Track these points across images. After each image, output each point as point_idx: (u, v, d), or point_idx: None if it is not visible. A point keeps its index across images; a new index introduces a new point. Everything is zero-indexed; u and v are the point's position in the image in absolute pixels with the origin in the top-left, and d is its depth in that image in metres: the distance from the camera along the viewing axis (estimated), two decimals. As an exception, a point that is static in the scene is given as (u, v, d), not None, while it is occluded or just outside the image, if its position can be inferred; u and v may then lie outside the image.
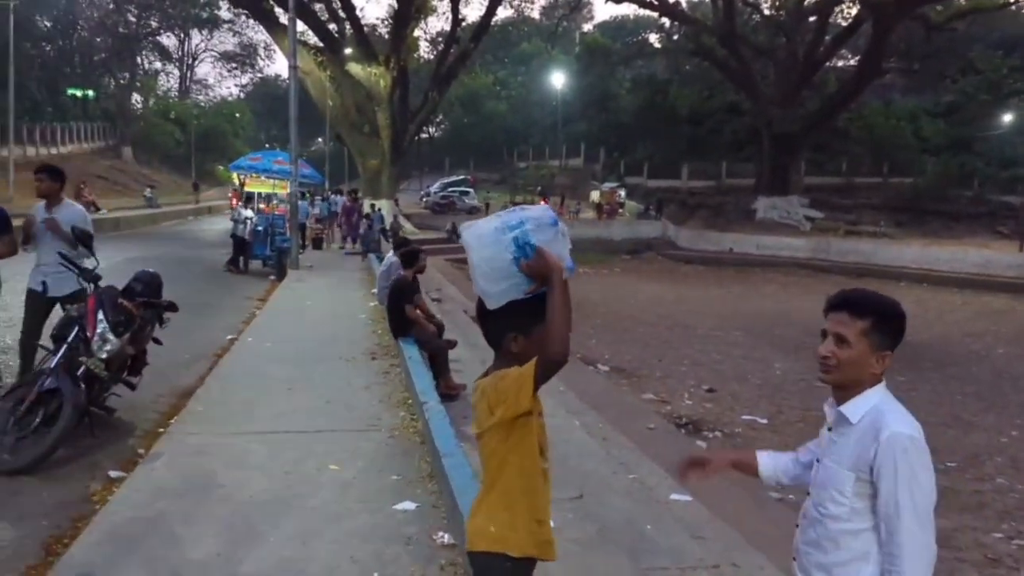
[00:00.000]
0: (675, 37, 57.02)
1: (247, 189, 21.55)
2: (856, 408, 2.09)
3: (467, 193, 48.22)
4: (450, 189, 49.34)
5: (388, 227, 24.62)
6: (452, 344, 8.36)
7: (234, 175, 23.82)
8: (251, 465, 5.28)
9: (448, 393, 7.35)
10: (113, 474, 5.27)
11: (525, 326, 2.28)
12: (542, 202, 45.64)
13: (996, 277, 29.09)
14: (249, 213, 18.35)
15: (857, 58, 46.48)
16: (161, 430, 6.11)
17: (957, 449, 9.86)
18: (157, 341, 6.78)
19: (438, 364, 7.75)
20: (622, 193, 45.97)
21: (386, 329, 9.31)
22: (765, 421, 10.55)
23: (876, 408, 2.08)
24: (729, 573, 4.23)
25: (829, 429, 2.17)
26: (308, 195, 25.42)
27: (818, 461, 2.19)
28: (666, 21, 56.44)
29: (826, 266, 32.33)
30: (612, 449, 6.78)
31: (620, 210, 44.69)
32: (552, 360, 2.16)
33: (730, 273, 32.76)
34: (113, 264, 8.05)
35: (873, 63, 38.65)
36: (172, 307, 6.56)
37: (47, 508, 4.74)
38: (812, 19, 44.92)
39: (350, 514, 4.55)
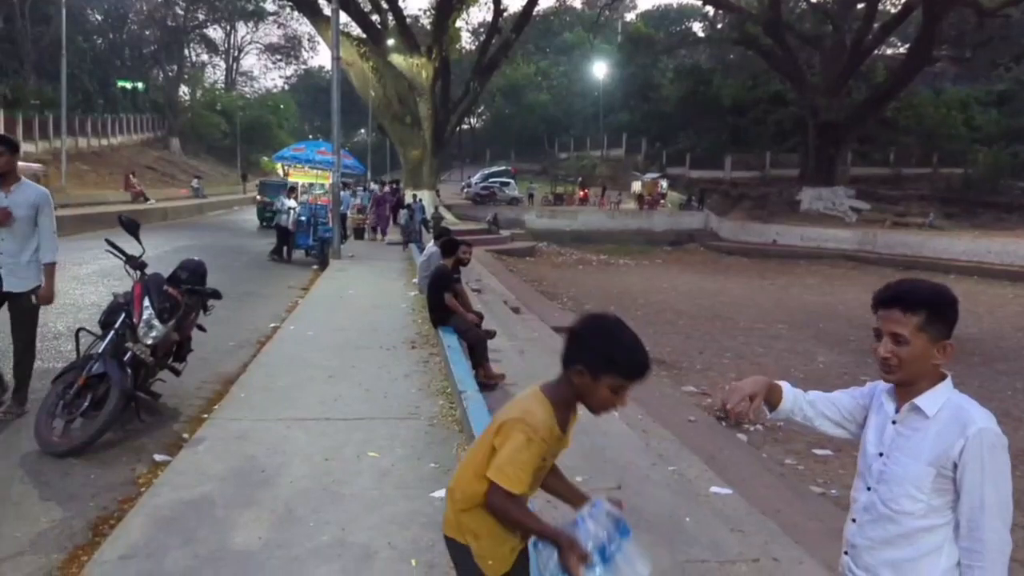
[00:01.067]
0: (719, 26, 56.33)
1: (290, 180, 21.81)
2: (932, 401, 2.03)
3: (508, 184, 48.20)
4: (491, 180, 49.34)
5: (429, 218, 24.71)
6: (491, 334, 8.38)
7: (278, 165, 24.17)
8: (292, 451, 5.34)
9: (487, 383, 7.37)
10: (158, 458, 5.39)
11: (597, 369, 2.25)
12: (582, 193, 45.51)
13: (1050, 271, 28.25)
14: (292, 203, 18.58)
15: (906, 46, 45.41)
16: (205, 416, 6.21)
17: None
18: (201, 328, 6.89)
19: (477, 354, 7.77)
20: (664, 184, 45.57)
21: (426, 319, 9.35)
22: (808, 415, 10.40)
23: (952, 402, 2.02)
24: (769, 567, 4.18)
25: (893, 423, 2.10)
26: (351, 185, 25.70)
27: (880, 455, 2.11)
28: (710, 9, 55.79)
29: (872, 258, 31.73)
30: (652, 441, 6.74)
31: (662, 201, 44.33)
32: (495, 496, 2.24)
33: (773, 265, 32.31)
34: (161, 253, 8.21)
35: (923, 51, 37.70)
36: (216, 295, 6.66)
37: (94, 490, 4.85)
38: (860, 6, 43.96)
39: (389, 501, 4.58)
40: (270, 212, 25.71)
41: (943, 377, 2.07)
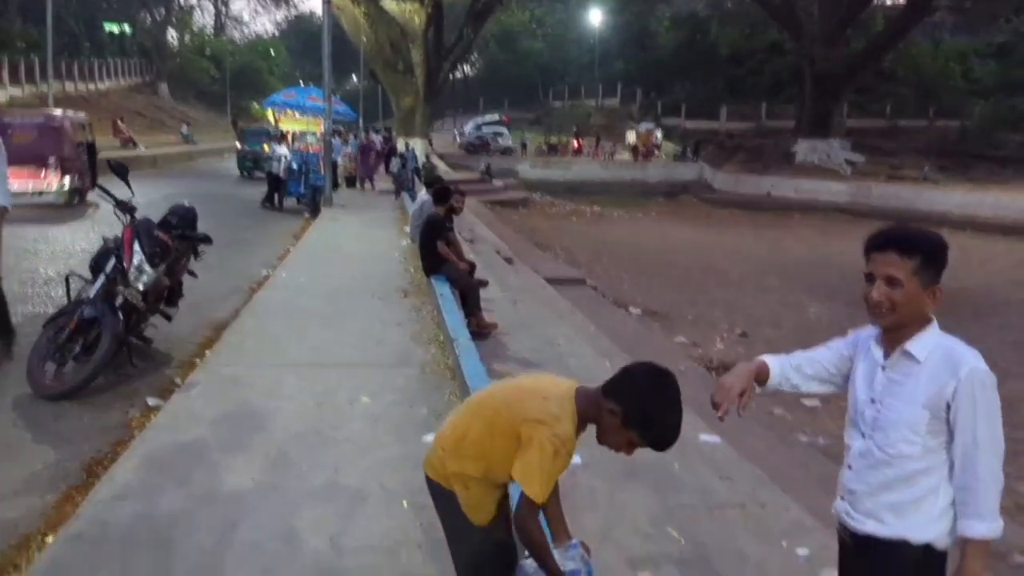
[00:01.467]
0: (717, -28, 55.28)
1: (281, 127, 21.55)
2: (922, 346, 2.04)
3: (501, 133, 47.77)
4: (484, 128, 48.88)
5: (421, 166, 24.50)
6: (484, 283, 8.36)
7: (269, 111, 23.85)
8: (284, 396, 5.37)
9: (479, 332, 7.38)
10: (151, 402, 5.40)
11: (631, 421, 2.25)
12: (576, 144, 45.13)
13: (1044, 225, 28.28)
14: (284, 151, 18.39)
15: (906, -5, 44.70)
16: (197, 361, 6.22)
17: (993, 397, 9.73)
18: (192, 274, 6.87)
19: (470, 303, 7.76)
20: (659, 134, 45.23)
21: (418, 268, 9.34)
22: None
23: (942, 345, 2.05)
24: (755, 512, 4.24)
25: (883, 369, 2.11)
26: (343, 134, 25.36)
27: (872, 402, 2.12)
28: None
29: (866, 211, 31.64)
30: (642, 390, 6.78)
31: (656, 151, 44.05)
32: (528, 509, 2.28)
33: (767, 217, 32.28)
34: (151, 201, 8.13)
35: (922, 0, 37.15)
36: (207, 240, 6.62)
37: (88, 433, 4.88)
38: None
39: (381, 445, 4.62)
40: (251, 161, 25.39)
41: (929, 321, 2.08)
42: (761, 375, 2.30)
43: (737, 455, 5.28)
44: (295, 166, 18.06)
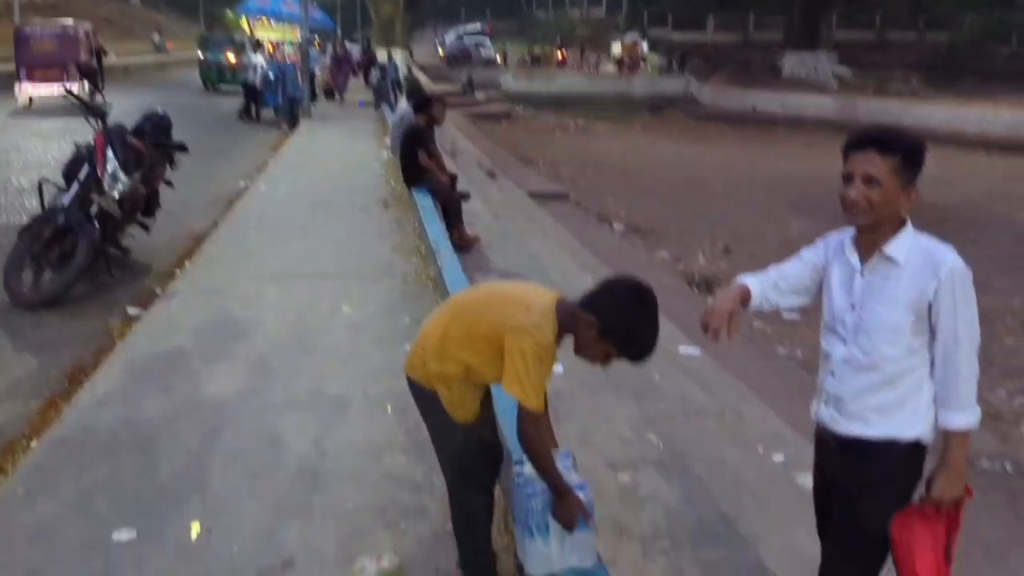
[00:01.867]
0: None
1: (257, 35, 20.88)
2: (900, 247, 2.05)
3: (484, 44, 46.63)
4: (466, 39, 47.67)
5: (403, 79, 23.90)
6: (466, 196, 8.27)
7: (243, 19, 23.07)
8: (265, 306, 5.35)
9: (461, 245, 7.32)
10: (131, 311, 5.37)
11: (608, 332, 2.24)
12: (560, 55, 44.16)
13: (1027, 140, 28.18)
14: (261, 61, 17.86)
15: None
16: (177, 271, 6.17)
17: (969, 310, 9.88)
18: (169, 183, 6.74)
19: (451, 215, 7.68)
20: (644, 46, 44.29)
21: (399, 180, 9.21)
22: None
23: (919, 245, 2.05)
24: (732, 420, 4.32)
25: (861, 274, 2.11)
26: (322, 44, 24.64)
27: (852, 307, 2.12)
28: None
29: (852, 126, 31.46)
30: (624, 304, 6.81)
31: (642, 64, 43.23)
32: (529, 418, 2.28)
33: (753, 132, 31.96)
34: (125, 111, 7.89)
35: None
36: (182, 148, 6.48)
37: (68, 341, 4.86)
38: None
39: (363, 354, 4.63)
40: (215, 72, 24.24)
41: (903, 223, 2.08)
42: (743, 297, 2.30)
43: (716, 366, 5.35)
44: (272, 76, 17.58)
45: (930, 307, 2.01)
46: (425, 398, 2.50)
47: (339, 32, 34.42)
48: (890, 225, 2.06)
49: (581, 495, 2.48)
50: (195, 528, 2.95)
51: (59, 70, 15.83)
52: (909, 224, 2.08)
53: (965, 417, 2.05)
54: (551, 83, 39.60)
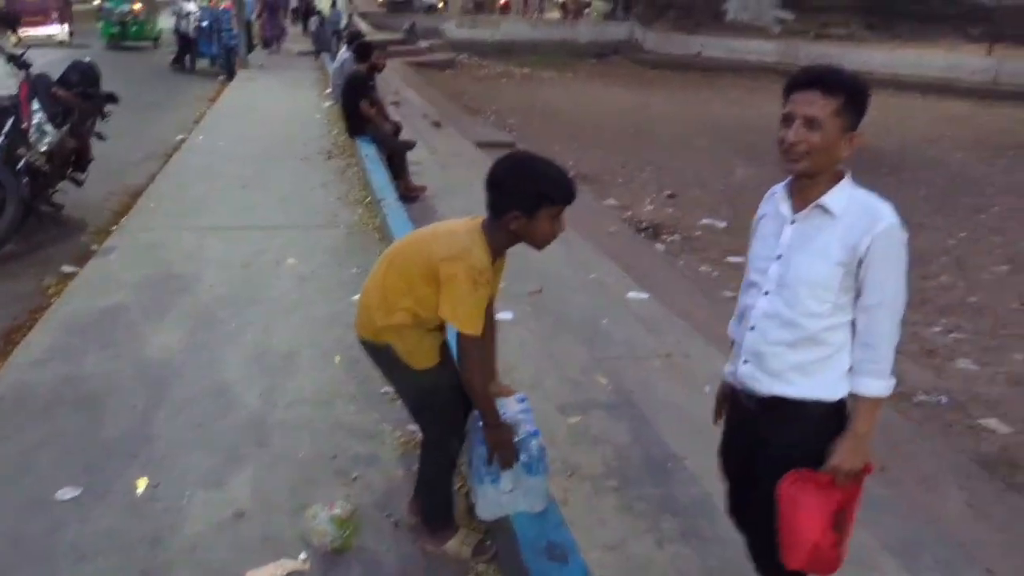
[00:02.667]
0: None
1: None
2: (837, 199, 1.93)
3: (426, -10, 45.55)
4: (408, -15, 46.49)
5: (343, 29, 23.24)
6: (410, 144, 8.15)
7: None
8: (207, 259, 5.24)
9: (408, 195, 7.24)
10: (66, 268, 5.21)
11: (529, 207, 2.23)
12: (502, 1, 43.36)
13: (961, 82, 28.67)
14: (192, 7, 17.19)
15: None
16: (113, 228, 5.99)
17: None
18: (100, 136, 6.50)
19: (396, 164, 7.58)
20: (589, -9, 43.84)
21: (342, 130, 9.04)
22: (724, 224, 10.67)
23: (856, 198, 1.95)
24: (680, 361, 4.39)
25: (792, 223, 1.98)
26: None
27: (779, 258, 2.00)
28: None
29: (794, 71, 31.60)
30: (573, 251, 6.83)
31: (586, 10, 42.80)
32: (466, 343, 2.29)
33: (697, 78, 32.02)
34: (48, 62, 7.53)
35: None
36: (112, 98, 6.24)
37: (2, 301, 4.69)
38: None
39: (310, 304, 4.58)
40: (116, 25, 19.88)
41: (842, 176, 1.99)
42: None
43: (664, 310, 5.42)
44: (205, 24, 16.95)
45: (860, 263, 1.90)
46: (381, 355, 2.48)
47: (275, -22, 33.24)
48: (827, 175, 1.95)
49: (534, 442, 2.50)
50: (141, 483, 2.91)
51: (43, 16, 16.98)
52: (848, 177, 1.99)
53: (881, 384, 1.96)
54: (495, 30, 38.99)
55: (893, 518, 3.22)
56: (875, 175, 14.93)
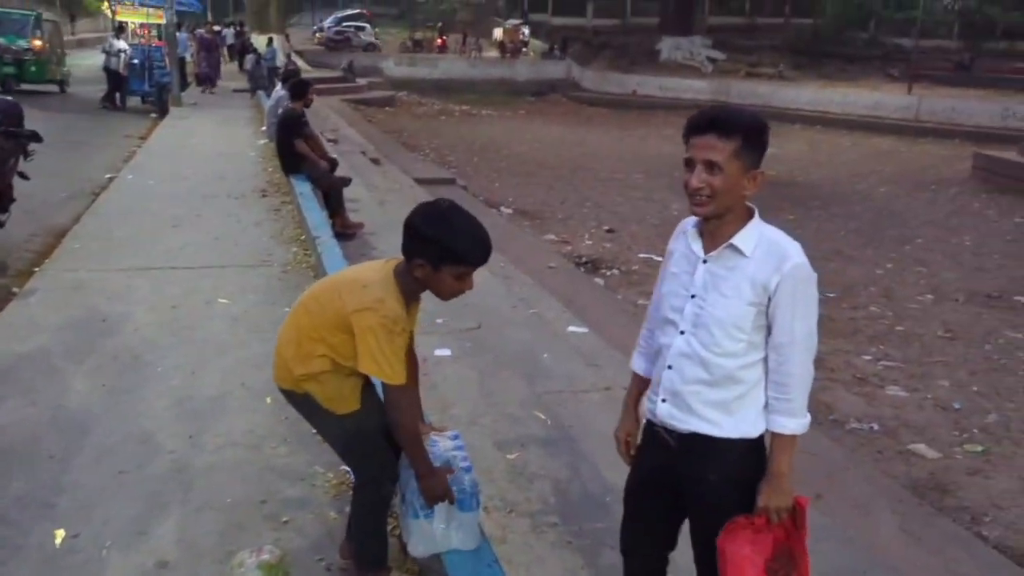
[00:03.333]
0: None
1: (119, 18, 19.72)
2: (747, 239, 1.95)
3: (363, 28, 45.73)
4: (345, 24, 46.64)
5: (280, 66, 23.11)
6: (346, 181, 8.09)
7: (104, 2, 21.73)
8: (135, 300, 5.09)
9: (344, 232, 7.17)
10: (-16, 312, 4.99)
11: (436, 260, 2.20)
12: (439, 41, 43.75)
13: (885, 119, 29.99)
14: (123, 45, 16.90)
15: None
16: (35, 269, 5.78)
17: (837, 281, 10.42)
18: (23, 176, 6.29)
19: (333, 202, 7.51)
20: (526, 31, 44.52)
21: (277, 167, 8.95)
22: (661, 258, 10.80)
23: (765, 237, 1.97)
24: (620, 395, 4.31)
25: (704, 262, 2.00)
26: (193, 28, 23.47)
27: (693, 297, 2.00)
28: None
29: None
30: (513, 286, 6.84)
31: (524, 49, 43.46)
32: (393, 394, 2.27)
33: (633, 115, 32.70)
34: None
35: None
36: (35, 137, 6.05)
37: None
38: None
39: (241, 345, 4.47)
40: (10, 64, 17.03)
41: (751, 213, 2.00)
42: (640, 386, 2.26)
43: (604, 344, 5.44)
44: (136, 61, 16.68)
45: (770, 301, 1.93)
46: (302, 403, 2.43)
47: (209, 16, 33.09)
48: (735, 214, 1.97)
49: (467, 477, 2.46)
50: (59, 535, 2.77)
51: None
52: (757, 216, 2.01)
53: (796, 422, 1.98)
54: (434, 68, 39.28)
55: (830, 545, 3.24)
56: (807, 209, 15.38)
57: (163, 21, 18.44)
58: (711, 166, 1.90)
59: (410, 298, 2.30)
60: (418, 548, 2.46)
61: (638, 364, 2.28)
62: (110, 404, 3.71)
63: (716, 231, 1.98)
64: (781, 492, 1.98)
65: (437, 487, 2.37)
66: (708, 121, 1.93)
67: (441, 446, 2.51)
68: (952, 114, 29.13)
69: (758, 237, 1.96)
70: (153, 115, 15.80)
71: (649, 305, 2.31)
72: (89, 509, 2.93)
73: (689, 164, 1.95)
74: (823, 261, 11.30)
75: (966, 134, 26.38)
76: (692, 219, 2.09)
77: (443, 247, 2.18)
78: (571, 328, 5.62)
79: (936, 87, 33.67)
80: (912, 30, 36.86)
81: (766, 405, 2.00)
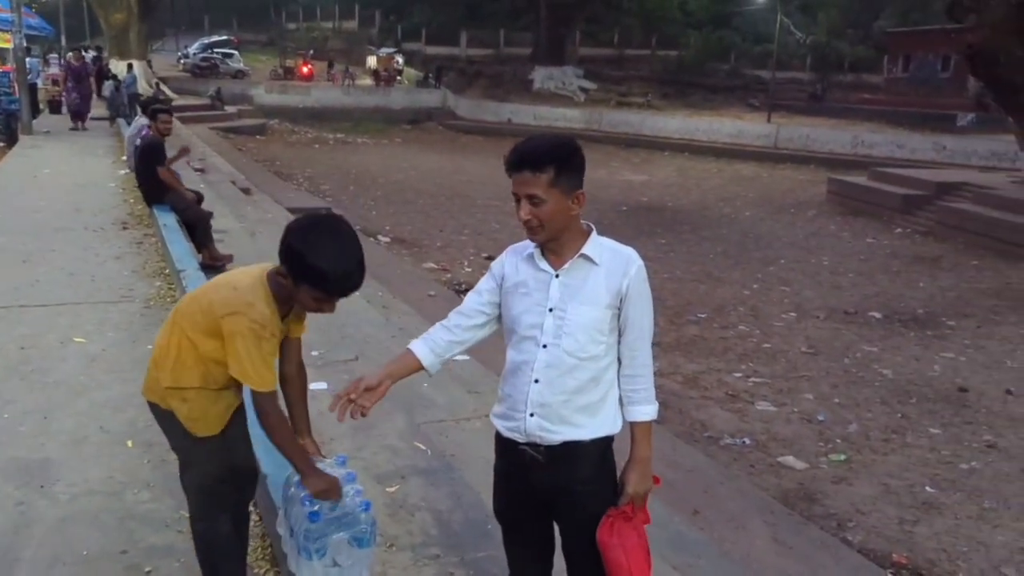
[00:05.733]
0: None
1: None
2: (595, 249, 2.08)
3: (231, 55, 44.55)
4: (213, 51, 45.29)
5: (141, 92, 22.13)
6: (210, 214, 7.77)
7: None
8: (-23, 343, 4.69)
9: (213, 264, 6.88)
10: None
11: (295, 276, 2.13)
12: (305, 68, 43.02)
13: (747, 146, 31.75)
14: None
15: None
16: None
17: (707, 302, 10.86)
18: None
19: (199, 234, 7.20)
20: (400, 59, 44.53)
21: (139, 198, 8.53)
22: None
23: (606, 246, 2.11)
24: (501, 421, 4.37)
25: (557, 276, 2.08)
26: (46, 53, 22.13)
27: (551, 311, 2.07)
28: None
29: (599, 136, 33.53)
30: (392, 316, 6.74)
31: (398, 77, 43.44)
32: (260, 400, 2.20)
33: (508, 143, 31.06)
34: None
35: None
36: None
37: None
38: None
39: (99, 386, 4.20)
40: None
41: (588, 227, 2.12)
42: (411, 366, 2.22)
43: (485, 370, 5.42)
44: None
45: (621, 302, 2.08)
46: (164, 418, 2.34)
47: (63, 40, 31.42)
48: (572, 232, 2.08)
49: (364, 515, 2.37)
50: None
51: None
52: (594, 231, 2.13)
53: (652, 409, 2.15)
54: (307, 96, 38.67)
55: (707, 561, 3.33)
56: (678, 233, 15.99)
57: (10, 45, 17.35)
58: (532, 199, 2.00)
59: (283, 303, 2.22)
60: None
61: (421, 350, 2.23)
62: (-52, 458, 3.39)
63: (559, 249, 2.10)
64: (647, 476, 2.13)
65: (322, 482, 2.26)
66: (519, 159, 2.03)
67: (332, 473, 2.41)
68: (807, 141, 31.14)
69: (601, 247, 2.10)
70: (0, 143, 14.80)
71: (459, 305, 2.31)
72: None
73: (516, 199, 2.04)
74: (694, 283, 11.78)
75: (821, 160, 28.26)
76: (527, 249, 2.16)
77: (305, 265, 2.10)
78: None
79: (793, 116, 35.95)
80: (769, 62, 39.21)
81: (620, 399, 2.15)
